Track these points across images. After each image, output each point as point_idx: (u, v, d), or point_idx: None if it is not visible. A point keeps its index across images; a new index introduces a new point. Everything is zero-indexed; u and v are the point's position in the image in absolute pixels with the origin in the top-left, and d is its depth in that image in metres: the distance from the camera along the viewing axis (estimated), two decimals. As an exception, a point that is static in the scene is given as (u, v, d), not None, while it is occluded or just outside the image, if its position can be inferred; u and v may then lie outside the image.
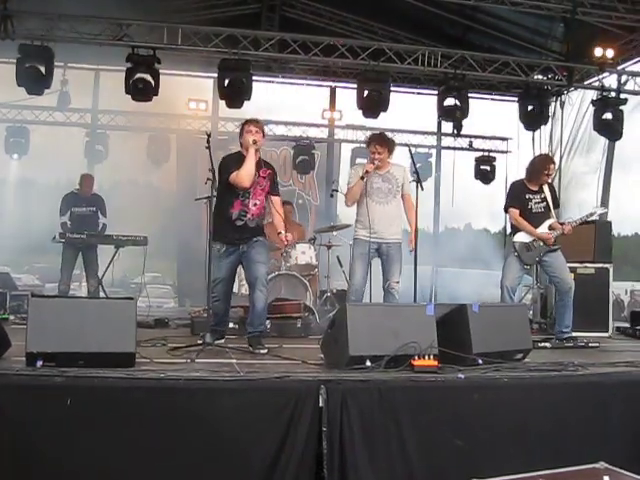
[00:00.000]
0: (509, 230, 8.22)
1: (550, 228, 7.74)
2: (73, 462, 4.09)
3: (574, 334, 7.71)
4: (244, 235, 6.63)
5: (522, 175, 8.17)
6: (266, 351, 6.30)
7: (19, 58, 10.17)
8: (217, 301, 6.65)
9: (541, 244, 7.69)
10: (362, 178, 7.38)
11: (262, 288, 6.56)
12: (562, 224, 7.79)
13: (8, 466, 4.01)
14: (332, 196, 11.62)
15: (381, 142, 7.50)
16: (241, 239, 6.63)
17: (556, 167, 8.18)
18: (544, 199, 7.82)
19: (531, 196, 7.82)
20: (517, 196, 7.89)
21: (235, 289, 8.37)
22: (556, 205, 7.95)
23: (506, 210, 7.97)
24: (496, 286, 8.03)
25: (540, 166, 7.93)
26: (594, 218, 8.39)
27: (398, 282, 7.41)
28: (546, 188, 7.88)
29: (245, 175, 6.52)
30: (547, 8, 10.97)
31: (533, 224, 7.73)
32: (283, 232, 6.79)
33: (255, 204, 6.68)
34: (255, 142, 6.59)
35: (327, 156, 15.66)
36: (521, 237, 7.78)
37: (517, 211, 7.80)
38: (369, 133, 12.71)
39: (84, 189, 10.25)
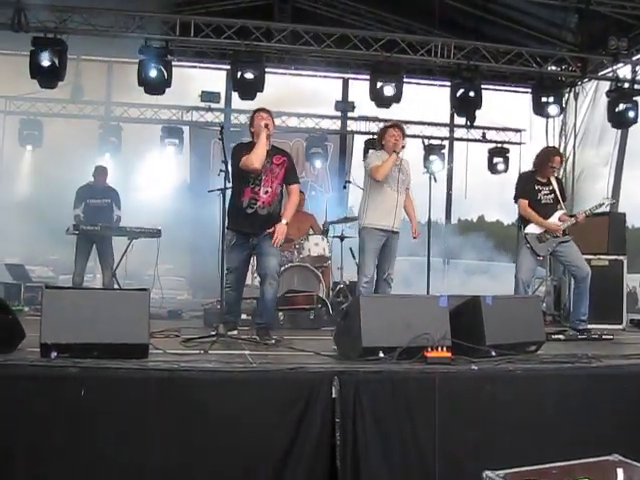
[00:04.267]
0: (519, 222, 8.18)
1: (560, 219, 7.73)
2: (87, 452, 4.11)
3: (588, 326, 7.69)
4: (254, 224, 6.58)
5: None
6: (273, 342, 6.31)
7: (32, 50, 10.20)
8: (229, 288, 6.67)
9: (553, 234, 7.68)
10: (395, 152, 7.42)
11: (272, 281, 6.54)
12: (572, 216, 7.78)
13: (22, 456, 4.03)
14: (345, 188, 11.61)
15: (400, 127, 7.72)
16: (251, 228, 6.59)
17: (562, 160, 8.13)
18: (552, 191, 7.82)
19: (540, 187, 7.82)
20: (526, 186, 7.88)
21: (249, 281, 8.39)
22: (564, 198, 7.93)
23: (516, 200, 7.95)
24: (509, 278, 8.02)
25: (545, 158, 7.91)
26: (603, 209, 8.35)
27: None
28: (554, 181, 7.89)
29: (255, 157, 6.46)
30: (561, -1, 10.93)
31: (542, 215, 7.72)
32: (283, 221, 6.63)
33: (266, 192, 6.62)
34: (267, 126, 6.57)
35: (340, 148, 15.65)
36: (532, 228, 7.75)
37: (526, 202, 7.78)
38: (382, 125, 12.72)
39: (98, 180, 10.32)
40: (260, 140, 6.53)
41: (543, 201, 7.79)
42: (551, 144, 13.88)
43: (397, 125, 7.76)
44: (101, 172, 10.44)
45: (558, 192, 7.82)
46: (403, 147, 7.47)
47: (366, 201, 7.63)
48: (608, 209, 8.63)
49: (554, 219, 7.73)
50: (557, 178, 8.03)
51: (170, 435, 4.22)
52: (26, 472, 4.03)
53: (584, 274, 7.65)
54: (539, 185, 7.82)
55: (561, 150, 14.28)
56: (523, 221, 7.87)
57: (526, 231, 7.80)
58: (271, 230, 6.58)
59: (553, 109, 12.32)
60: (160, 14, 10.92)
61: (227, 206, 6.56)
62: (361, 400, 4.43)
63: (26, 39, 10.22)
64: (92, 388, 4.16)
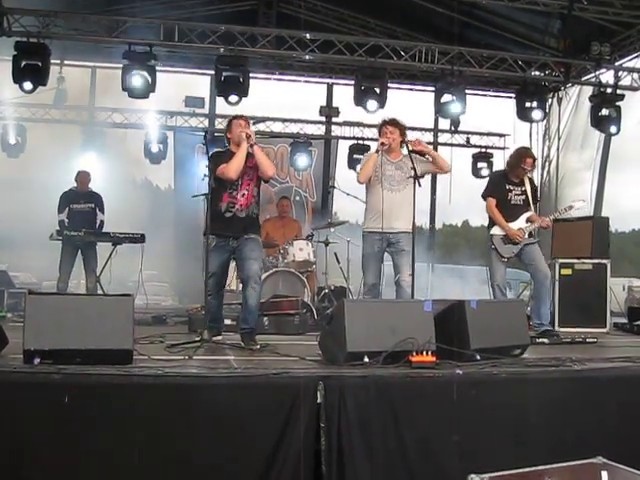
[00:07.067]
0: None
1: (528, 220, 7.77)
2: (70, 459, 4.08)
3: (571, 330, 7.74)
4: (233, 227, 6.62)
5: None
6: (258, 347, 6.30)
7: (15, 55, 10.14)
8: (209, 296, 6.63)
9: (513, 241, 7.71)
10: (377, 151, 7.19)
11: (255, 285, 6.54)
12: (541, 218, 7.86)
13: (5, 464, 4.00)
14: (329, 193, 11.63)
15: (393, 123, 7.37)
16: (231, 232, 6.61)
17: (534, 161, 8.12)
18: (524, 192, 7.87)
19: (511, 187, 7.86)
20: (496, 186, 7.94)
21: (234, 286, 8.37)
22: (535, 200, 7.96)
23: (484, 198, 7.96)
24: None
25: (517, 159, 7.96)
26: (573, 211, 8.36)
27: (410, 275, 7.05)
28: (527, 182, 7.93)
29: (233, 167, 6.53)
30: (544, 4, 10.97)
31: (510, 216, 7.76)
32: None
33: (243, 194, 6.68)
34: (249, 136, 6.59)
35: (324, 153, 15.63)
36: (498, 230, 7.79)
37: (494, 201, 7.83)
38: (366, 130, 12.69)
39: (81, 185, 10.28)
40: (241, 151, 6.58)
41: (512, 202, 7.83)
42: (534, 148, 13.96)
43: (391, 122, 7.36)
44: (83, 176, 10.40)
45: (530, 193, 7.86)
46: (383, 144, 7.14)
47: (366, 203, 7.41)
48: (578, 210, 8.55)
49: (522, 220, 7.76)
50: (530, 179, 8.07)
51: (153, 441, 4.20)
52: (9, 478, 4.00)
53: (542, 276, 7.74)
54: (511, 185, 7.87)
55: (544, 154, 14.38)
56: (490, 221, 7.89)
57: (492, 232, 7.81)
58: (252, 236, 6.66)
59: (537, 114, 12.35)
60: (144, 19, 10.89)
61: (209, 210, 6.60)
62: (346, 405, 4.42)
63: (9, 44, 10.17)
64: (76, 394, 4.13)
